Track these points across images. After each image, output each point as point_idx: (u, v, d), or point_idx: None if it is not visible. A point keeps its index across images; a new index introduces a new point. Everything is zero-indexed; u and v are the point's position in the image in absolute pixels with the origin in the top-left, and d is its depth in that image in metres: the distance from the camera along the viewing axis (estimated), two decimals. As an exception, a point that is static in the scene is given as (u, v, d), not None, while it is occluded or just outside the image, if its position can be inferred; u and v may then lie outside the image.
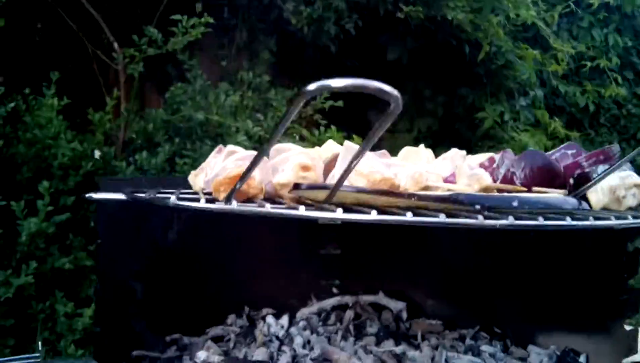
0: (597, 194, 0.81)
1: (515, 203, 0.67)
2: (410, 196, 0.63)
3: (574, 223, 0.63)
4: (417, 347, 1.13)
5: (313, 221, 1.20)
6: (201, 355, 0.89)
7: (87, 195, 0.81)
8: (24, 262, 2.11)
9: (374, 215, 0.57)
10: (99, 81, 2.87)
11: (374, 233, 1.22)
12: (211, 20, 2.48)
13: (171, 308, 1.02)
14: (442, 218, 0.60)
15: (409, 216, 0.59)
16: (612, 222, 0.68)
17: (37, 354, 0.95)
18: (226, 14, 3.27)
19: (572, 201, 0.71)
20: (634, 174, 0.86)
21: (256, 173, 0.70)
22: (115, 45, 2.71)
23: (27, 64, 2.80)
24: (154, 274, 0.97)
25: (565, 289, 1.04)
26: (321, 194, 0.64)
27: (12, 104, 2.19)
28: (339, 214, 0.58)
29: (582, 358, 0.97)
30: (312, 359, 1.02)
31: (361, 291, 1.19)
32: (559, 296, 1.05)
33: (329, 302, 1.23)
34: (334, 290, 1.20)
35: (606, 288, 0.97)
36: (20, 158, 2.25)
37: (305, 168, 0.72)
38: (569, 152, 0.95)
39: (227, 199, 0.67)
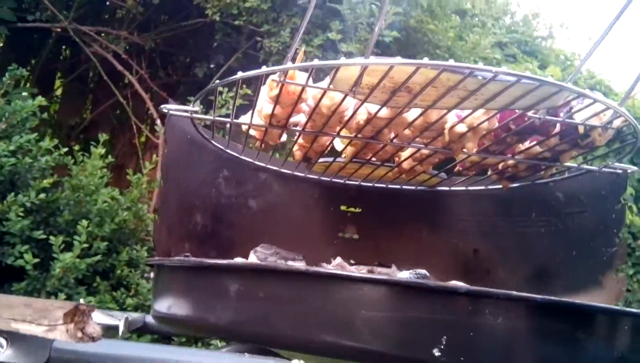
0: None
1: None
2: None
3: (527, 75, 0.74)
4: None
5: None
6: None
7: (161, 106, 0.98)
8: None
9: (398, 59, 0.73)
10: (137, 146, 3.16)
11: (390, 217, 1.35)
12: (249, 91, 2.78)
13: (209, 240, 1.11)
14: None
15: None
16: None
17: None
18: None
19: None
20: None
21: (299, 75, 0.87)
22: (158, 121, 3.03)
23: (78, 126, 3.11)
24: (201, 199, 1.09)
25: (559, 253, 1.14)
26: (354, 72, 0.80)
27: (65, 149, 2.43)
28: (368, 60, 0.72)
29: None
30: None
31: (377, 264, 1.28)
32: (554, 261, 1.14)
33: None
34: (351, 261, 1.29)
35: (597, 245, 1.08)
36: (63, 202, 2.44)
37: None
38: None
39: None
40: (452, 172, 1.21)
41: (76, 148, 2.65)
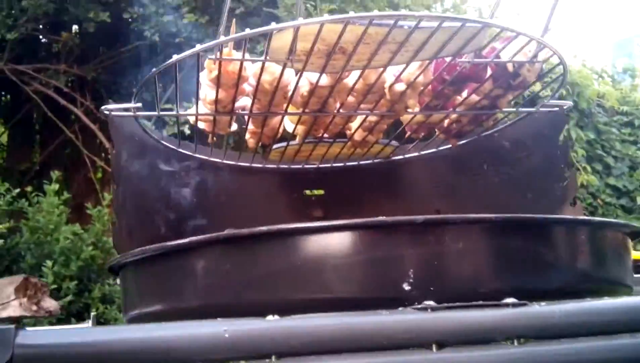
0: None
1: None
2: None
3: (449, 16, 0.78)
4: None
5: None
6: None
7: (102, 107, 0.97)
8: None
9: (326, 17, 0.75)
10: (94, 182, 3.10)
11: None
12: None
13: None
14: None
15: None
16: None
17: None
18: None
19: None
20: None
21: (236, 54, 0.89)
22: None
23: (29, 171, 3.04)
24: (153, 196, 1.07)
25: (515, 198, 1.18)
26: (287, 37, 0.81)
27: (17, 190, 2.37)
28: (298, 21, 0.75)
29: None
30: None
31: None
32: (512, 207, 1.18)
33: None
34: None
35: (549, 182, 1.12)
36: (24, 246, 2.37)
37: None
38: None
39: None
40: (403, 139, 1.25)
41: (29, 188, 2.58)
